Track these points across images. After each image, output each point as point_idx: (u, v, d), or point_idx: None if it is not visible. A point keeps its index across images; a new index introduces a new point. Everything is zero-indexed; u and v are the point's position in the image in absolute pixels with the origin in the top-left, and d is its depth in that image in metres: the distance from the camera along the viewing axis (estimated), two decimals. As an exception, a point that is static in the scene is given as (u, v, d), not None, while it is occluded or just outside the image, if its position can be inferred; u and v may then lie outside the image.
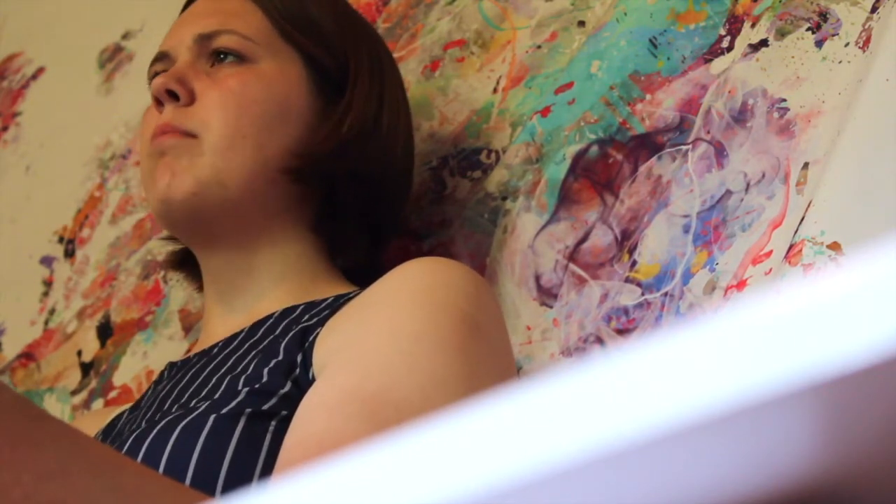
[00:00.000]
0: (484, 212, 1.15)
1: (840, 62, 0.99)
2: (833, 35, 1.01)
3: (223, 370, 0.92)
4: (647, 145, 1.08)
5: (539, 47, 1.20)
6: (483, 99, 1.21)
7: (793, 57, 1.02)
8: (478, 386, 0.82)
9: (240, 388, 0.86)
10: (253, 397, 0.85)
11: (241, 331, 0.98)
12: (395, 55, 1.22)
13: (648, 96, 1.09)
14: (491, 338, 0.88)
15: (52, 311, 1.49)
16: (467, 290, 0.88)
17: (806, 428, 0.30)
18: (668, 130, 1.07)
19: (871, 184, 0.90)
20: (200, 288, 1.12)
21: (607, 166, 1.09)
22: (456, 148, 1.21)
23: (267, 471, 0.81)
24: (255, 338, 0.95)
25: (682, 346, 0.29)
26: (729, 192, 1.01)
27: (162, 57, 1.09)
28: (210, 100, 1.03)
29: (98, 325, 1.42)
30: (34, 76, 1.70)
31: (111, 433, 0.98)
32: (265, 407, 0.84)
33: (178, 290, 1.35)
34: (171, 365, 1.03)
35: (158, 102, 1.04)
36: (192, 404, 0.87)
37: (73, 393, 1.40)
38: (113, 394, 1.35)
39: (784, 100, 1.01)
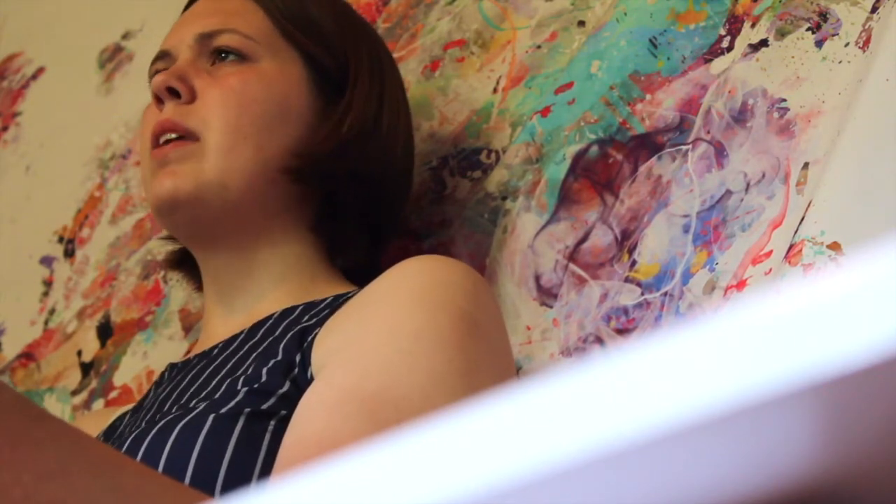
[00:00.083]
0: (484, 212, 1.15)
1: (840, 62, 0.99)
2: (833, 35, 1.01)
3: (223, 371, 0.92)
4: (647, 145, 1.08)
5: (539, 47, 1.20)
6: (483, 99, 1.21)
7: (793, 57, 1.02)
8: (477, 384, 0.82)
9: (239, 388, 0.86)
10: (252, 397, 0.85)
11: (241, 332, 0.98)
12: (395, 55, 1.22)
13: (648, 96, 1.09)
14: (490, 336, 0.88)
15: (52, 311, 1.49)
16: (466, 288, 0.88)
17: (806, 428, 0.30)
18: (668, 130, 1.07)
19: (871, 184, 0.90)
20: (199, 288, 1.12)
21: (607, 166, 1.09)
22: (456, 148, 1.21)
23: (266, 470, 0.81)
24: (255, 339, 0.95)
25: (682, 346, 0.29)
26: (729, 192, 1.01)
27: (163, 56, 1.09)
28: (211, 98, 1.03)
29: (98, 325, 1.42)
30: (34, 76, 1.70)
31: (113, 434, 0.98)
32: (264, 407, 0.84)
33: (178, 290, 1.35)
34: (172, 366, 1.03)
35: (159, 100, 1.04)
36: (192, 405, 0.87)
37: (74, 393, 1.40)
38: (113, 394, 1.35)
39: (784, 100, 1.01)
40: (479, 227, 1.15)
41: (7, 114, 1.70)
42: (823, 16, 1.02)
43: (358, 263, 1.09)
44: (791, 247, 0.93)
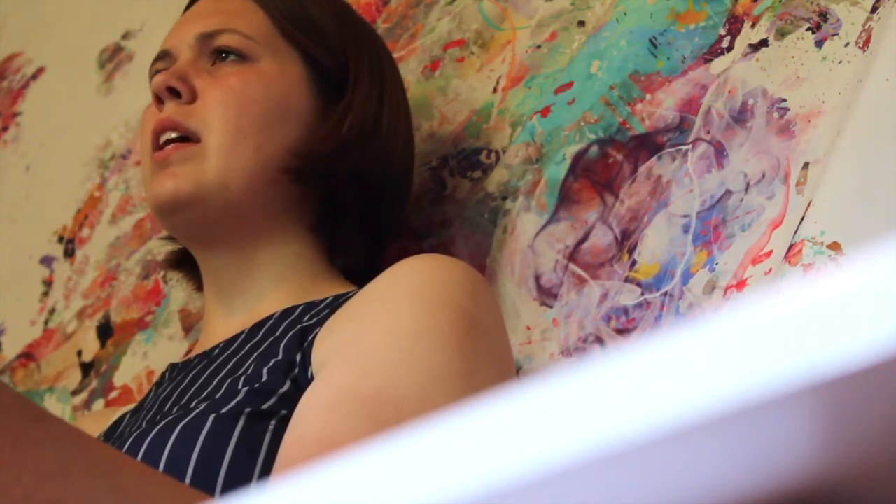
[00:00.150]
0: (484, 212, 1.15)
1: (840, 62, 0.99)
2: (833, 35, 1.01)
3: (224, 372, 0.92)
4: (647, 145, 1.08)
5: (539, 47, 1.20)
6: (483, 99, 1.21)
7: (793, 57, 1.02)
8: (477, 383, 0.82)
9: (240, 388, 0.86)
10: (252, 397, 0.85)
11: (242, 332, 0.98)
12: (395, 55, 1.22)
13: (648, 96, 1.09)
14: (489, 334, 0.88)
15: (52, 311, 1.49)
16: (465, 287, 0.88)
17: (806, 428, 0.30)
18: (668, 130, 1.07)
19: (871, 184, 0.90)
20: (199, 288, 1.12)
21: (607, 166, 1.09)
22: (456, 148, 1.21)
23: (266, 470, 0.81)
24: (256, 339, 0.95)
25: (682, 346, 0.29)
26: (729, 192, 1.01)
27: (163, 55, 1.09)
28: (211, 98, 1.03)
29: (98, 325, 1.42)
30: (34, 76, 1.70)
31: (113, 435, 0.98)
32: (264, 406, 0.84)
33: (178, 290, 1.35)
34: (172, 366, 1.03)
35: (159, 100, 1.04)
36: (192, 405, 0.87)
37: (74, 393, 1.40)
38: (113, 394, 1.35)
39: (784, 100, 1.01)
40: (479, 227, 1.15)
41: (7, 114, 1.70)
42: (823, 16, 1.02)
43: (358, 263, 1.09)
44: (791, 247, 0.93)
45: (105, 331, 1.41)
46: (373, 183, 1.08)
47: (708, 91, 1.06)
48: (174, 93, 1.03)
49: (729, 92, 1.05)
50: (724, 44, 1.07)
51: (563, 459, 0.29)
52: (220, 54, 1.06)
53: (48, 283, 1.51)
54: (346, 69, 1.09)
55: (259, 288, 1.03)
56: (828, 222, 0.91)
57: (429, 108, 1.25)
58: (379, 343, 0.82)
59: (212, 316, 1.05)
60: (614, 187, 1.08)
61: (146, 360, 1.34)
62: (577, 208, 1.09)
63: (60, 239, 1.53)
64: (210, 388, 0.90)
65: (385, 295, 0.88)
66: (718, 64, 1.07)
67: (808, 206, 0.93)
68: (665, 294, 1.01)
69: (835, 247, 0.90)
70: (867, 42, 0.98)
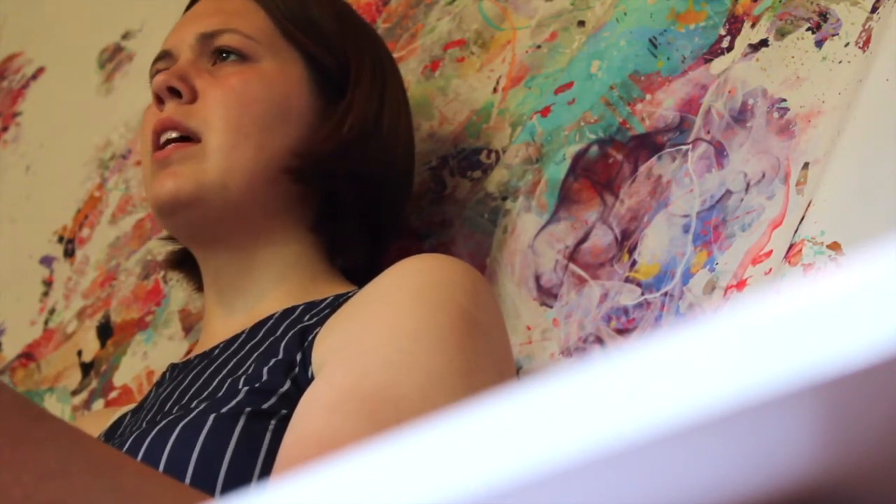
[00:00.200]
0: (484, 212, 1.15)
1: (840, 62, 0.99)
2: (833, 35, 1.01)
3: (224, 371, 0.92)
4: (647, 145, 1.08)
5: (539, 47, 1.20)
6: (483, 99, 1.21)
7: (793, 57, 1.02)
8: (477, 383, 0.82)
9: (240, 387, 0.86)
10: (252, 396, 0.85)
11: (242, 332, 0.98)
12: (395, 55, 1.22)
13: (648, 96, 1.09)
14: (490, 334, 0.88)
15: (52, 311, 1.49)
16: (465, 287, 0.88)
17: (806, 428, 0.30)
18: (668, 130, 1.07)
19: (871, 184, 0.90)
20: (200, 288, 1.12)
21: (607, 166, 1.09)
22: (456, 148, 1.21)
23: (267, 470, 0.81)
24: (256, 339, 0.95)
25: (682, 346, 0.29)
26: (729, 192, 1.01)
27: (164, 55, 1.09)
28: (212, 98, 1.03)
29: (98, 325, 1.42)
30: (34, 76, 1.70)
31: (113, 435, 0.98)
32: (265, 406, 0.84)
33: (178, 290, 1.35)
34: (173, 367, 1.03)
35: (159, 100, 1.04)
36: (193, 405, 0.87)
37: (74, 393, 1.40)
38: (113, 394, 1.35)
39: (784, 100, 1.01)
40: (480, 227, 1.15)
41: (7, 114, 1.70)
42: (823, 16, 1.02)
43: (358, 263, 1.09)
44: (791, 247, 0.93)
45: (105, 331, 1.41)
46: (373, 183, 1.08)
47: (708, 91, 1.06)
48: (175, 92, 1.03)
49: (729, 92, 1.05)
50: (724, 44, 1.07)
51: (563, 459, 0.29)
52: (221, 54, 1.06)
53: (48, 283, 1.51)
54: (346, 69, 1.09)
55: (259, 288, 1.03)
56: (828, 222, 0.91)
57: (429, 108, 1.25)
58: (379, 343, 0.82)
59: (212, 316, 1.05)
60: (614, 187, 1.08)
61: (146, 360, 1.34)
62: (577, 208, 1.09)
63: (60, 239, 1.53)
64: (210, 388, 0.90)
65: (385, 294, 0.88)
66: (718, 64, 1.07)
67: (808, 206, 0.93)
68: (665, 294, 1.01)
69: (835, 247, 0.90)
70: (867, 42, 0.98)
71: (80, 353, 1.42)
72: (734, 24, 1.07)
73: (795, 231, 0.93)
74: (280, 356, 0.88)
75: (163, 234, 1.19)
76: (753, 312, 0.29)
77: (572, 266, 1.07)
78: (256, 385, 0.86)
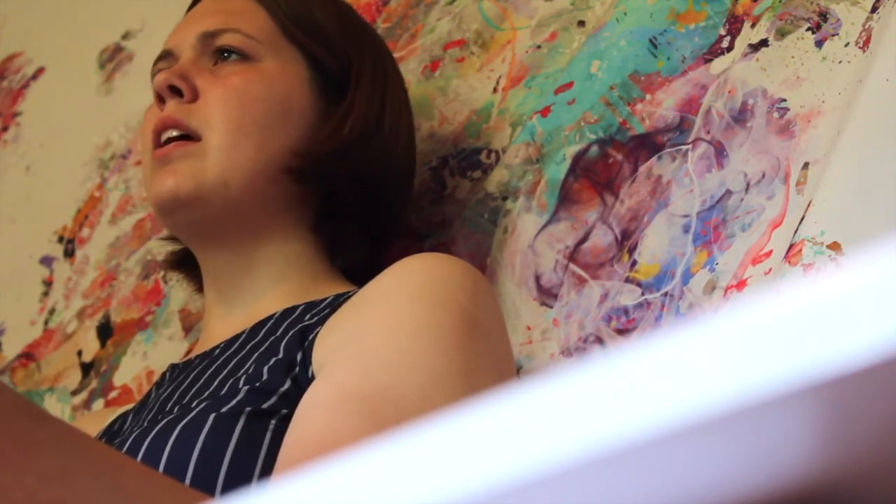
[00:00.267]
0: (484, 212, 1.15)
1: (840, 62, 0.99)
2: (833, 35, 1.01)
3: (224, 372, 0.92)
4: (647, 145, 1.08)
5: (539, 47, 1.20)
6: (483, 99, 1.21)
7: (793, 57, 1.02)
8: (477, 382, 0.82)
9: (240, 387, 0.86)
10: (252, 396, 0.85)
11: (242, 332, 0.98)
12: (395, 55, 1.22)
13: (648, 96, 1.09)
14: (490, 334, 0.88)
15: (52, 311, 1.49)
16: (465, 286, 0.88)
17: (806, 428, 0.30)
18: (668, 130, 1.07)
19: (871, 184, 0.90)
20: (200, 289, 1.12)
21: (607, 166, 1.09)
22: (456, 148, 1.21)
23: (267, 470, 0.81)
24: (257, 339, 0.95)
25: (682, 346, 0.29)
26: (729, 192, 1.01)
27: (165, 55, 1.09)
28: (213, 97, 1.03)
29: (98, 325, 1.42)
30: (34, 76, 1.70)
31: (111, 435, 0.98)
32: (265, 405, 0.84)
33: (178, 290, 1.35)
34: (173, 367, 1.03)
35: (160, 99, 1.04)
36: (193, 405, 0.87)
37: (74, 393, 1.40)
38: (113, 394, 1.35)
39: (784, 100, 1.01)
40: (480, 227, 1.15)
41: (7, 114, 1.70)
42: (823, 16, 1.02)
43: (358, 264, 1.09)
44: (791, 247, 0.93)
45: (105, 331, 1.41)
46: (374, 183, 1.08)
47: (708, 91, 1.06)
48: (176, 91, 1.03)
49: (729, 92, 1.05)
50: (724, 44, 1.07)
51: (563, 459, 0.29)
52: (223, 54, 1.06)
53: (48, 283, 1.51)
54: (347, 70, 1.09)
55: (259, 286, 1.03)
56: (828, 222, 0.91)
57: (429, 108, 1.25)
58: (379, 342, 0.82)
59: (212, 315, 1.05)
60: (614, 187, 1.08)
61: (146, 360, 1.34)
62: (578, 208, 1.09)
63: (60, 239, 1.53)
64: (211, 388, 0.90)
65: (385, 293, 0.88)
66: (718, 64, 1.07)
67: (808, 206, 0.93)
68: (665, 294, 1.01)
69: (835, 247, 0.90)
70: (867, 42, 0.98)
71: (80, 353, 1.42)
72: (734, 24, 1.07)
73: (795, 231, 0.93)
74: (280, 356, 0.88)
75: (163, 234, 1.19)
76: (753, 312, 0.29)
77: (572, 266, 1.07)
78: (257, 384, 0.86)
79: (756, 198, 0.99)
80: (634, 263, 1.04)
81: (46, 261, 1.53)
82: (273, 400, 0.84)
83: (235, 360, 0.93)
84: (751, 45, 1.05)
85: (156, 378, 1.10)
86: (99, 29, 1.64)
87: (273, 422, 0.83)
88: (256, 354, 0.91)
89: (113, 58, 1.61)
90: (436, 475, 0.30)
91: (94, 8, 1.67)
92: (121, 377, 1.36)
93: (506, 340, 0.92)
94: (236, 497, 0.34)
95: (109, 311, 1.42)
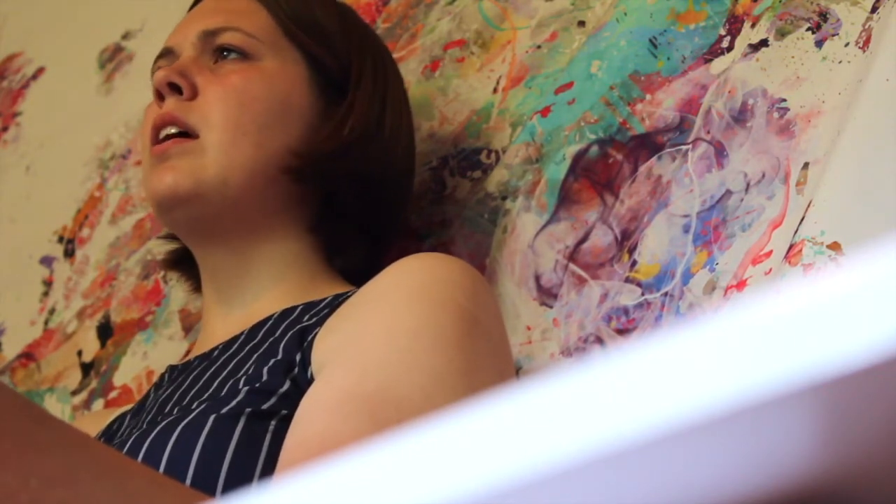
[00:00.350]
0: (484, 212, 1.15)
1: (840, 62, 0.99)
2: (833, 35, 1.01)
3: (224, 373, 0.92)
4: (647, 145, 1.08)
5: (539, 47, 1.20)
6: (483, 99, 1.21)
7: (793, 57, 1.02)
8: (477, 382, 0.82)
9: (240, 388, 0.86)
10: (252, 396, 0.85)
11: (241, 333, 0.98)
12: (395, 55, 1.22)
13: (648, 96, 1.09)
14: (489, 333, 0.88)
15: (52, 311, 1.49)
16: (465, 286, 0.88)
17: (806, 428, 0.30)
18: (668, 130, 1.07)
19: (871, 184, 0.90)
20: (196, 288, 1.12)
21: (607, 166, 1.09)
22: (456, 148, 1.21)
23: (267, 471, 0.81)
24: (256, 340, 0.95)
25: (682, 346, 0.29)
26: (729, 192, 1.01)
27: (166, 53, 1.09)
28: (212, 95, 1.03)
29: (98, 325, 1.42)
30: (34, 76, 1.70)
31: (110, 436, 0.98)
32: (265, 406, 0.84)
33: (178, 290, 1.35)
34: (172, 368, 1.03)
35: (160, 97, 1.04)
36: (193, 406, 0.87)
37: (74, 393, 1.40)
38: (113, 394, 1.35)
39: (784, 100, 1.01)
40: (479, 227, 1.15)
41: (7, 114, 1.70)
42: (823, 16, 1.02)
43: (357, 265, 1.09)
44: (791, 247, 0.93)
45: (105, 331, 1.41)
46: (373, 184, 1.08)
47: (708, 91, 1.06)
48: (175, 89, 1.03)
49: (729, 92, 1.05)
50: (724, 44, 1.07)
51: (563, 459, 0.29)
52: (223, 52, 1.06)
53: (48, 283, 1.51)
54: (348, 70, 1.09)
55: (257, 285, 1.03)
56: (828, 222, 0.91)
57: (429, 108, 1.25)
58: (379, 342, 0.82)
59: (210, 315, 1.05)
60: (614, 187, 1.08)
61: (146, 360, 1.34)
62: (577, 208, 1.09)
63: (60, 239, 1.53)
64: (211, 389, 0.90)
65: (384, 293, 0.88)
66: (718, 64, 1.07)
67: (808, 206, 0.93)
68: (665, 294, 1.01)
69: (835, 247, 0.90)
70: (867, 42, 0.98)
71: (80, 353, 1.42)
72: (734, 24, 1.07)
73: (795, 231, 0.93)
74: (279, 356, 0.88)
75: (162, 234, 1.19)
76: (753, 312, 0.29)
77: (572, 266, 1.07)
78: (256, 385, 0.86)
79: (756, 198, 0.99)
80: (634, 263, 1.04)
81: (46, 261, 1.53)
82: (273, 401, 0.84)
83: (235, 361, 0.93)
84: (751, 45, 1.05)
85: (155, 378, 1.10)
86: (99, 29, 1.64)
87: (273, 422, 0.83)
88: (256, 355, 0.91)
89: (113, 58, 1.61)
90: (436, 475, 0.30)
91: (94, 8, 1.67)
92: (121, 377, 1.36)
93: (505, 340, 0.92)
94: (237, 498, 0.34)
95: (109, 311, 1.42)
